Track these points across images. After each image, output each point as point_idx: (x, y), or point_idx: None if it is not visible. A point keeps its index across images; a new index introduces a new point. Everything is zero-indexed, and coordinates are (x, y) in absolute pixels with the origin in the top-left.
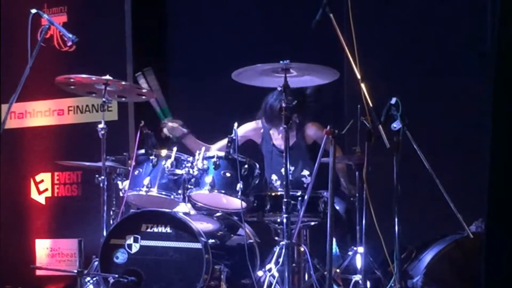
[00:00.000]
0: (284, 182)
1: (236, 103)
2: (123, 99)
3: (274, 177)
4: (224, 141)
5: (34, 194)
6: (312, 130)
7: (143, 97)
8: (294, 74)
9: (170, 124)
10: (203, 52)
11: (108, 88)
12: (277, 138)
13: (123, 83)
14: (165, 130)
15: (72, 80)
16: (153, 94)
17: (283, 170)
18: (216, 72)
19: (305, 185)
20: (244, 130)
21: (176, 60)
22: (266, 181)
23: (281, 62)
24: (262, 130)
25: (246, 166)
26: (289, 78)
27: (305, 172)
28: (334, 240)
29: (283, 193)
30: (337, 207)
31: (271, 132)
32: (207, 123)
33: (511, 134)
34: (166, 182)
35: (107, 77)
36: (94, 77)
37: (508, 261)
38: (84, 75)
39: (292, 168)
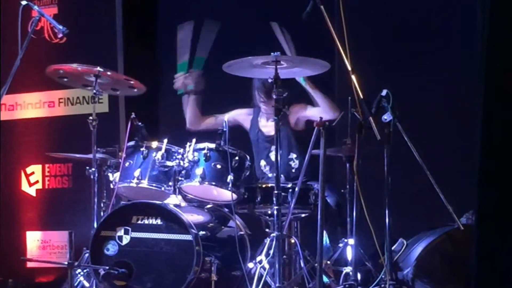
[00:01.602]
0: (274, 168)
1: (228, 95)
2: (117, 92)
3: (262, 162)
4: (213, 118)
5: (24, 186)
6: (294, 111)
7: (135, 90)
8: (285, 65)
9: (181, 79)
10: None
11: (99, 81)
12: (265, 125)
13: (110, 73)
14: (177, 82)
15: (61, 71)
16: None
17: (271, 155)
18: (207, 63)
19: (293, 170)
20: (236, 113)
21: (167, 51)
22: (254, 169)
23: (272, 54)
24: (251, 117)
25: (236, 158)
26: (279, 69)
27: (293, 155)
28: (324, 232)
29: (273, 184)
30: (328, 200)
31: (259, 119)
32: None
33: (501, 126)
34: (156, 174)
35: (98, 68)
36: (80, 67)
37: (498, 253)
38: (74, 65)
39: (280, 152)
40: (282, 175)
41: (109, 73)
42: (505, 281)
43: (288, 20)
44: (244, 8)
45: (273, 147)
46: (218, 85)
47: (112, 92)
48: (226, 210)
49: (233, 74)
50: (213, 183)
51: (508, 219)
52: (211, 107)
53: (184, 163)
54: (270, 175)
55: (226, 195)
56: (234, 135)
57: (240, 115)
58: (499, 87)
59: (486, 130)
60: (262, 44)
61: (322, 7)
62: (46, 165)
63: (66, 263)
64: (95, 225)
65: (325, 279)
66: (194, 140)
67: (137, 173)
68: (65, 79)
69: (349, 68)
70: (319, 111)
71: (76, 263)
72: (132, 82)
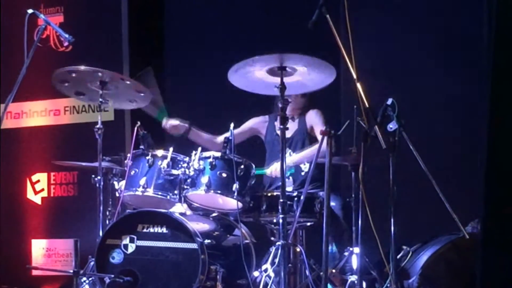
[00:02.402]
0: (286, 170)
1: (234, 103)
2: (132, 104)
3: None
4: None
5: (30, 194)
6: (310, 116)
7: (142, 94)
8: (291, 75)
9: (169, 123)
10: (200, 51)
11: (105, 91)
12: None
13: (120, 76)
14: (168, 127)
15: (73, 74)
16: (148, 96)
17: (286, 157)
18: (213, 71)
19: (302, 173)
20: (254, 122)
21: (173, 60)
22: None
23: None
24: (267, 123)
25: (242, 166)
26: (286, 82)
27: None
28: (331, 239)
29: (279, 193)
30: (333, 203)
31: (276, 123)
32: (204, 123)
33: (508, 135)
34: (162, 183)
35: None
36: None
37: (503, 262)
38: (82, 67)
39: (293, 154)
40: (290, 177)
41: (111, 74)
42: None
43: (293, 28)
44: (249, 17)
45: (288, 150)
46: (228, 99)
47: (129, 104)
48: (232, 218)
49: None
50: (219, 192)
51: None
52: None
53: (189, 172)
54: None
55: (231, 203)
56: (240, 143)
57: (257, 123)
58: (507, 95)
59: (493, 139)
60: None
61: (328, 16)
62: (52, 173)
63: (71, 271)
64: (101, 233)
65: (329, 287)
66: (199, 149)
67: (142, 181)
68: (66, 84)
69: (355, 77)
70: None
71: (81, 272)
72: (130, 82)
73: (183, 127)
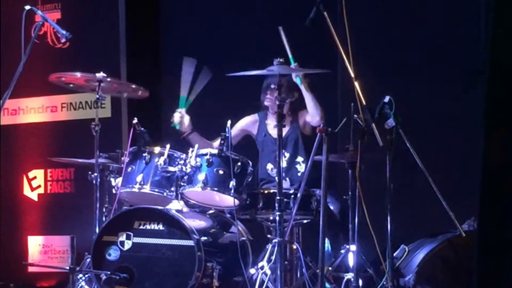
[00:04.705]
0: (278, 169)
1: (231, 100)
2: (123, 94)
3: (269, 166)
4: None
5: (26, 191)
6: (303, 114)
7: (139, 93)
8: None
9: (184, 115)
10: (197, 49)
11: (103, 85)
12: (273, 128)
13: (111, 79)
14: (176, 116)
15: (63, 79)
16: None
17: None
18: (210, 69)
19: (298, 173)
20: (244, 122)
21: (170, 57)
22: (257, 172)
23: (274, 60)
24: (258, 122)
25: (239, 163)
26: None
27: (299, 159)
28: (326, 238)
29: (275, 190)
30: (331, 207)
31: (267, 122)
32: (201, 120)
33: (504, 133)
34: (159, 179)
35: (101, 74)
36: (80, 74)
37: (500, 260)
38: (77, 74)
39: (287, 155)
40: (287, 178)
41: (109, 79)
42: None
43: (291, 26)
44: (247, 12)
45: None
46: (222, 96)
47: (118, 94)
48: (228, 215)
49: (237, 83)
50: (215, 189)
51: (510, 225)
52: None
53: (186, 169)
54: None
55: (228, 200)
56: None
57: (247, 124)
58: (504, 93)
59: (489, 137)
60: (265, 49)
61: (325, 13)
62: (48, 170)
63: (67, 268)
64: (97, 230)
65: (326, 285)
66: (196, 146)
67: (139, 178)
68: (71, 85)
69: (352, 75)
70: (306, 113)
71: (77, 268)
72: (133, 86)
73: (188, 126)
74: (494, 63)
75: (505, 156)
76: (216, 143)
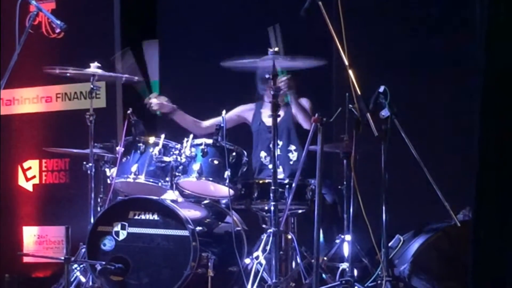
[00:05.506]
0: (273, 159)
1: (226, 86)
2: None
3: (263, 154)
4: (217, 119)
5: (21, 181)
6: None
7: (136, 78)
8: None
9: (154, 100)
10: (193, 38)
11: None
12: (267, 116)
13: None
14: (154, 103)
15: (57, 71)
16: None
17: (271, 145)
18: (206, 56)
19: (291, 162)
20: (241, 109)
21: (166, 47)
22: (252, 161)
23: (269, 50)
24: (253, 111)
25: (234, 153)
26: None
27: (292, 147)
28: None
29: (270, 180)
30: (325, 197)
31: (262, 110)
32: (197, 106)
33: (500, 123)
34: (153, 169)
35: (94, 69)
36: (72, 69)
37: (495, 249)
38: (70, 70)
39: (280, 143)
40: (280, 166)
41: (100, 72)
42: (501, 278)
43: (286, 15)
44: (241, 3)
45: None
46: (218, 86)
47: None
48: (223, 205)
49: (233, 71)
50: (210, 179)
51: (506, 215)
52: (215, 107)
53: (181, 159)
54: (270, 166)
55: (223, 190)
56: (232, 130)
57: (244, 111)
58: (499, 81)
59: (485, 127)
60: (258, 41)
61: (320, 3)
62: (43, 160)
63: (62, 258)
64: (92, 220)
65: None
66: (191, 136)
67: (134, 168)
68: (68, 74)
69: (347, 64)
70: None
71: (72, 258)
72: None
73: (168, 106)
74: (491, 50)
75: (501, 146)
76: (206, 123)
